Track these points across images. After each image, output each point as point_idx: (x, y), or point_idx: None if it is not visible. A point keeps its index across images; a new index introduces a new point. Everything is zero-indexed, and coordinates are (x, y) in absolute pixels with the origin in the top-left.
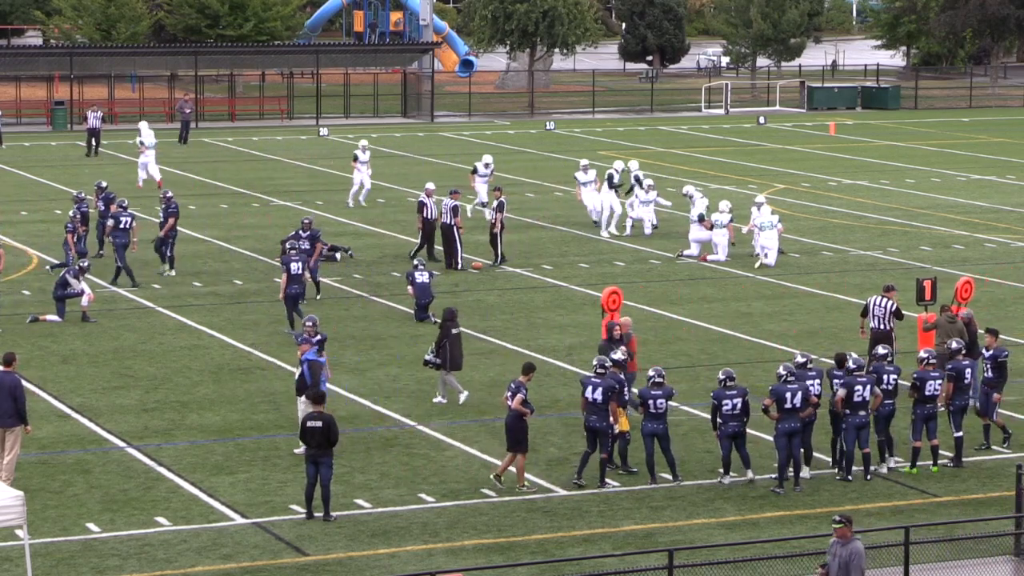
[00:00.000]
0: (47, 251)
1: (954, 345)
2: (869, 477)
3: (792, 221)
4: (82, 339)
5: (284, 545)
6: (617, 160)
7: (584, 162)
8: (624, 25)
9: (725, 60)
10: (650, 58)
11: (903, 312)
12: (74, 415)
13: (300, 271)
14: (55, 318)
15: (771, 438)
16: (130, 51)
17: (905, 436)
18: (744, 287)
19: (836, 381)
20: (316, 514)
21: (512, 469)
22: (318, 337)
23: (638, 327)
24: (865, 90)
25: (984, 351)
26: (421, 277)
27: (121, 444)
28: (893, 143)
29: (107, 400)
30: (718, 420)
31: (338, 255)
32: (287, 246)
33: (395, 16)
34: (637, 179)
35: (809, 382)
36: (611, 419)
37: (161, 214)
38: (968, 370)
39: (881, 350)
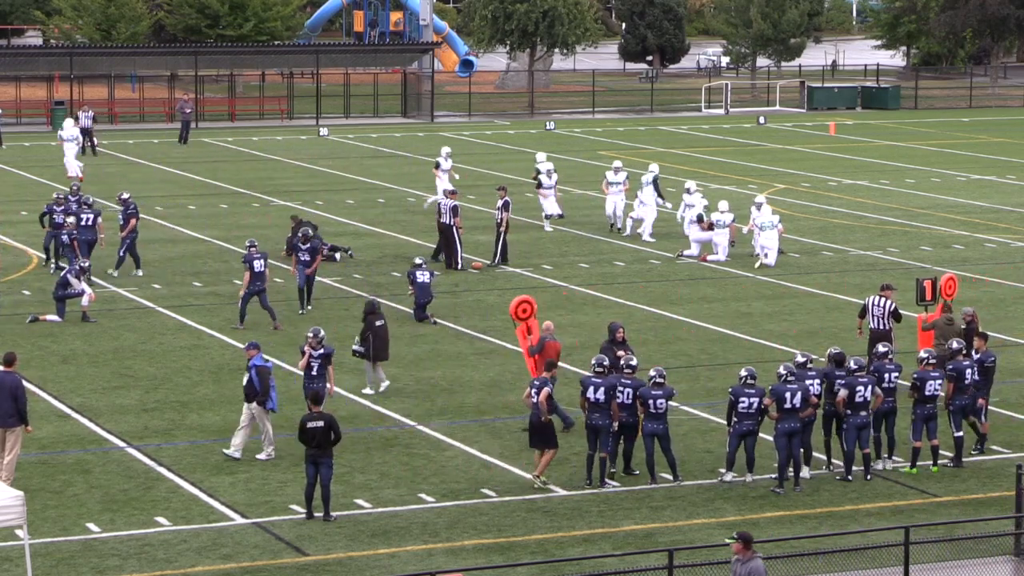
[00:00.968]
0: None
1: (955, 345)
2: (869, 477)
3: (792, 221)
4: (82, 339)
5: (284, 545)
6: (652, 164)
7: (617, 163)
8: (624, 25)
9: (725, 60)
10: (650, 58)
11: (901, 313)
12: (74, 415)
13: (263, 268)
14: (55, 318)
15: (771, 438)
16: (130, 51)
17: (905, 436)
18: (744, 287)
19: (838, 382)
20: (316, 514)
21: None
22: (322, 350)
23: (638, 327)
24: (865, 90)
25: (973, 354)
26: (422, 277)
27: (121, 444)
28: (893, 143)
29: (107, 400)
30: (733, 418)
31: (338, 255)
32: (296, 243)
33: (395, 16)
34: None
35: (808, 382)
36: (612, 418)
37: (120, 216)
38: (969, 370)
39: (882, 348)
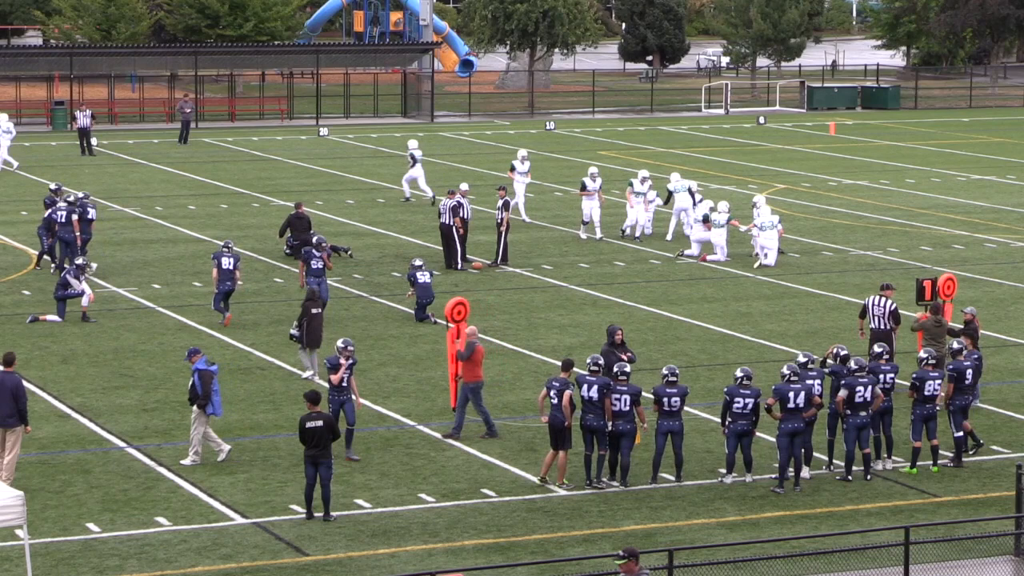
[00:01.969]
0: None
1: (955, 345)
2: (869, 477)
3: (792, 221)
4: (82, 339)
5: (284, 545)
6: (673, 173)
7: (644, 173)
8: (624, 25)
9: (725, 60)
10: (650, 58)
11: (900, 314)
12: (74, 415)
13: (230, 267)
14: (55, 318)
15: (772, 438)
16: (130, 51)
17: (905, 436)
18: (744, 287)
19: (818, 380)
20: (316, 514)
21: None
22: (351, 361)
23: (638, 327)
24: (865, 90)
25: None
26: (423, 277)
27: (121, 444)
28: (893, 143)
29: (107, 400)
30: (727, 418)
31: (340, 254)
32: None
33: (395, 16)
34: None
35: (810, 382)
36: (606, 417)
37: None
38: (969, 370)
39: (877, 348)
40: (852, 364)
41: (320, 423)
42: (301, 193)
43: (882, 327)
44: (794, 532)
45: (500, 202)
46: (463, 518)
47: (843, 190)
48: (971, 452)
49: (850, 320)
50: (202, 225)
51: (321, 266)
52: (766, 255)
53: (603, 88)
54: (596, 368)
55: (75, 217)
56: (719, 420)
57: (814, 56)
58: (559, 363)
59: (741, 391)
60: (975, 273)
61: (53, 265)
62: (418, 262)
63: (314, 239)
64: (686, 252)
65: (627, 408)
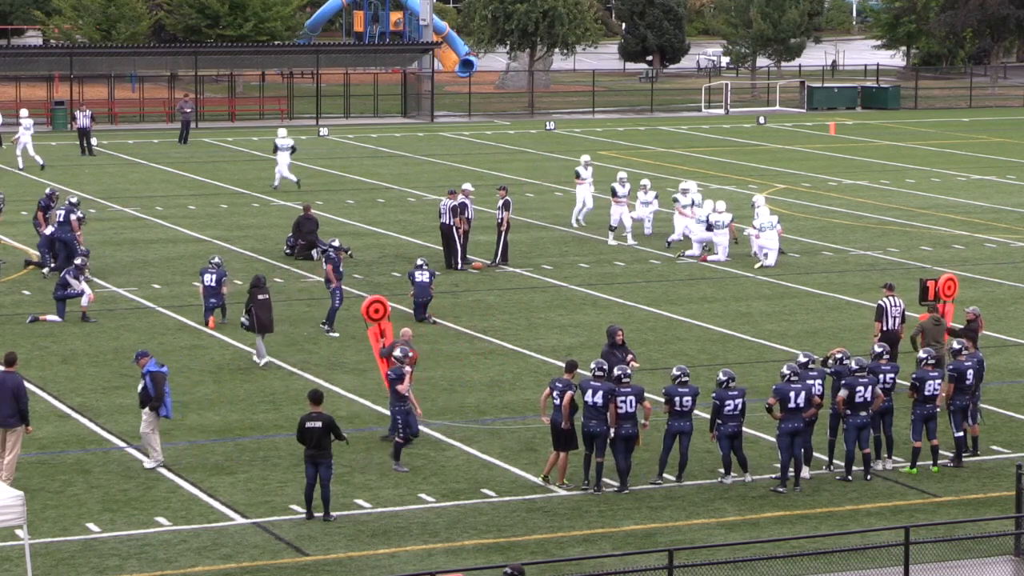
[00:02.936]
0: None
1: (955, 345)
2: (869, 477)
3: (792, 221)
4: (82, 339)
5: (284, 545)
6: (689, 181)
7: (645, 182)
8: (624, 25)
9: (725, 60)
10: (650, 58)
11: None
12: (74, 415)
13: (211, 283)
14: (55, 318)
15: (772, 438)
16: (130, 51)
17: (905, 436)
18: (744, 287)
19: (818, 380)
20: (316, 514)
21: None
22: (408, 368)
23: (638, 327)
24: (865, 90)
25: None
26: (421, 277)
27: (121, 444)
28: (893, 143)
29: (107, 400)
30: (718, 421)
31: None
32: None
33: (395, 16)
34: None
35: (810, 382)
36: (609, 423)
37: None
38: (970, 371)
39: (877, 348)
40: (852, 364)
41: (319, 424)
42: (301, 193)
43: (896, 327)
44: (794, 532)
45: (500, 202)
46: (463, 518)
47: (843, 190)
48: (967, 453)
49: (850, 320)
50: (202, 225)
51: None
52: (766, 255)
53: (603, 88)
54: (601, 373)
55: (74, 217)
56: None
57: (814, 56)
58: (559, 363)
59: (729, 393)
60: (975, 273)
61: (47, 268)
62: (419, 261)
63: (335, 243)
64: (687, 252)
65: (632, 409)
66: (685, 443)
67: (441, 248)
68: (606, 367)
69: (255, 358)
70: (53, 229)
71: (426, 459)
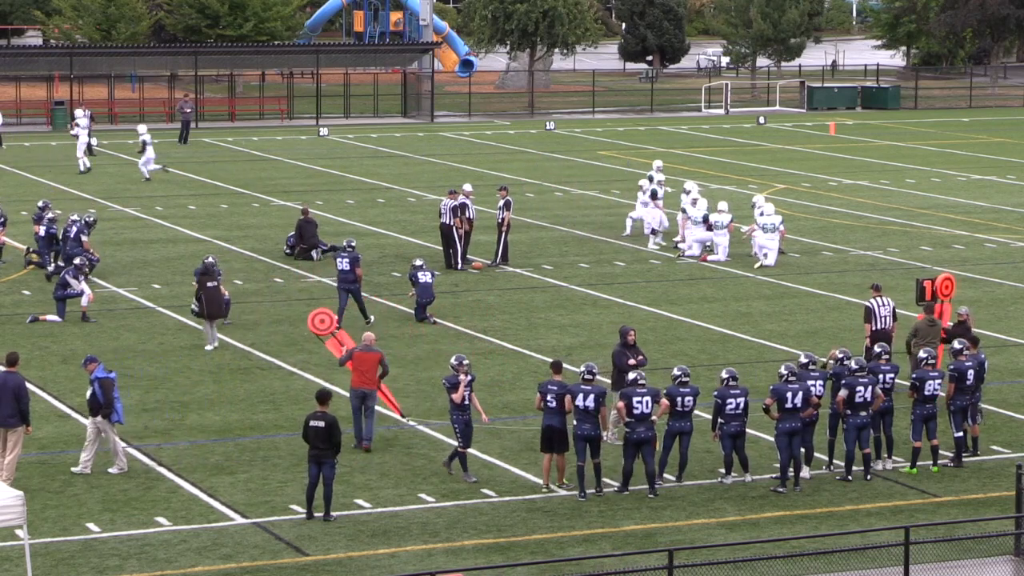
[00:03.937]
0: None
1: (956, 345)
2: (869, 477)
3: (792, 221)
4: (82, 339)
5: (284, 545)
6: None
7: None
8: (624, 25)
9: (725, 60)
10: (650, 58)
11: (897, 312)
12: (74, 415)
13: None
14: (55, 318)
15: (771, 438)
16: (130, 51)
17: (905, 436)
18: (744, 287)
19: (819, 381)
20: (316, 514)
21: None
22: (469, 377)
23: (639, 327)
24: (865, 90)
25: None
26: (423, 277)
27: (121, 444)
28: (893, 143)
29: None
30: (719, 420)
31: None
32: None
33: (395, 16)
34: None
35: (811, 382)
36: (602, 426)
37: None
38: (970, 371)
39: (877, 348)
40: (852, 364)
41: (322, 423)
42: (301, 193)
43: (887, 327)
44: (794, 532)
45: (501, 202)
46: (463, 518)
47: (843, 190)
48: (967, 453)
49: (850, 320)
50: (202, 225)
51: (347, 267)
52: (766, 255)
53: (603, 88)
54: (590, 376)
55: (85, 237)
56: (722, 420)
57: (814, 56)
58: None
59: (731, 392)
60: (975, 273)
61: (50, 267)
62: (419, 262)
63: (353, 242)
64: (687, 252)
65: (648, 411)
66: (685, 443)
67: (441, 248)
68: (596, 371)
69: (207, 346)
70: (44, 229)
71: (426, 459)
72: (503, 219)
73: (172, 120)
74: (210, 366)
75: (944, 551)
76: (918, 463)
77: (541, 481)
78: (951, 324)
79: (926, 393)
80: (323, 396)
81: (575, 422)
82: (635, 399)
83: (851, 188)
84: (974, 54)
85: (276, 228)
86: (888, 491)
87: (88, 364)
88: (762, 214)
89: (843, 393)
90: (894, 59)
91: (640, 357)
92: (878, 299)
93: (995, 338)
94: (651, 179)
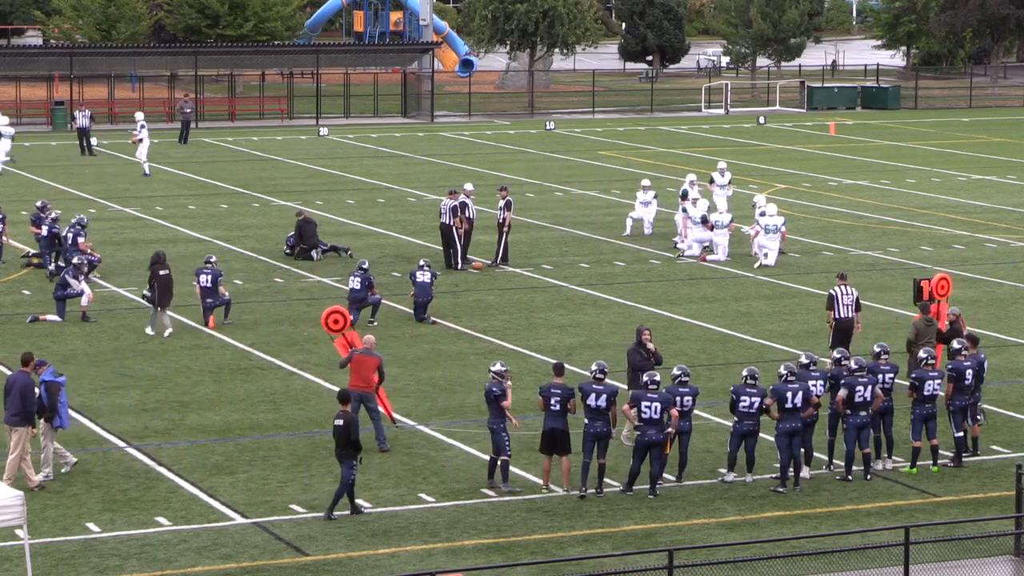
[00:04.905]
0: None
1: (955, 345)
2: (869, 477)
3: (792, 221)
4: (82, 339)
5: (284, 545)
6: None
7: (645, 182)
8: (624, 25)
9: (725, 60)
10: (650, 58)
11: (861, 302)
12: (74, 415)
13: (207, 284)
14: (55, 318)
15: (771, 438)
16: (130, 51)
17: (905, 436)
18: (744, 287)
19: (819, 381)
20: (328, 514)
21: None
22: (508, 383)
23: (638, 327)
24: (865, 90)
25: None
26: (422, 277)
27: (121, 444)
28: (893, 143)
29: (107, 400)
30: (734, 417)
31: (339, 254)
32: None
33: (395, 16)
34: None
35: (812, 382)
36: (612, 425)
37: None
38: (969, 371)
39: (876, 348)
40: (852, 364)
41: (341, 422)
42: (301, 193)
43: (849, 315)
44: (794, 532)
45: (502, 202)
46: (463, 518)
47: (843, 190)
48: (967, 453)
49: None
50: (202, 225)
51: (356, 286)
52: (766, 255)
53: (603, 88)
54: (601, 376)
55: (81, 240)
56: (722, 420)
57: (814, 56)
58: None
59: (747, 390)
60: (975, 273)
61: (50, 269)
62: (421, 262)
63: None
64: (686, 252)
65: (658, 416)
66: (685, 443)
67: (441, 248)
68: (607, 369)
69: (149, 330)
70: (47, 229)
71: (426, 459)
72: (504, 219)
73: (172, 120)
74: (210, 366)
75: (944, 551)
76: (918, 463)
77: (541, 481)
78: (947, 324)
79: (925, 393)
80: (344, 396)
81: (586, 421)
82: (644, 403)
83: (851, 188)
84: (974, 54)
85: (276, 228)
86: (888, 491)
87: (39, 367)
88: (763, 214)
89: (842, 393)
90: (894, 59)
91: (653, 357)
92: (842, 287)
93: (995, 338)
94: (685, 195)
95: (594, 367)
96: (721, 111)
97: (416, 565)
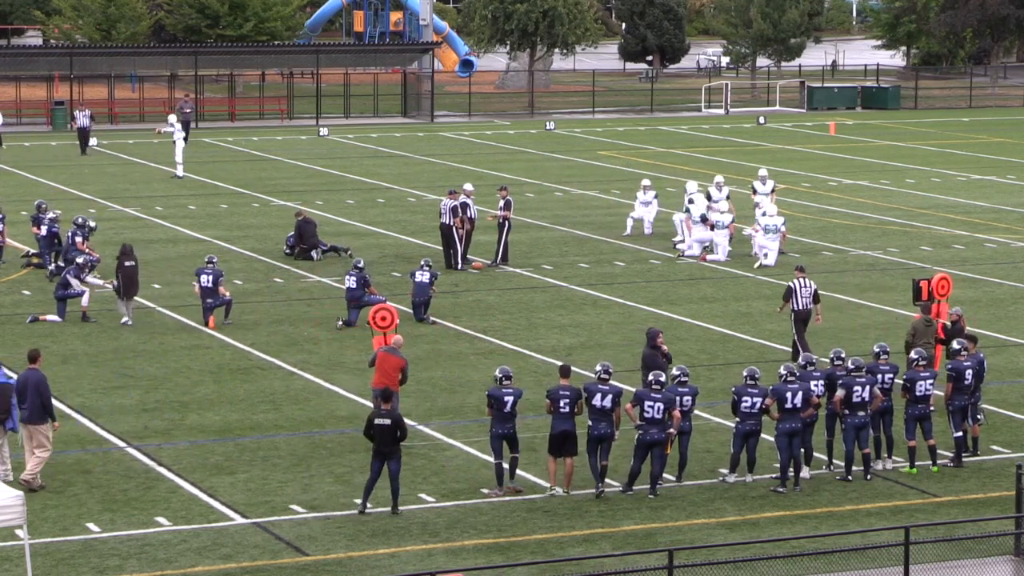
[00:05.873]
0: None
1: (955, 345)
2: (869, 477)
3: (792, 221)
4: (82, 339)
5: (284, 545)
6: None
7: (646, 182)
8: (624, 25)
9: (725, 60)
10: (650, 58)
11: (819, 294)
12: (74, 415)
13: (208, 284)
14: (55, 318)
15: (771, 438)
16: (130, 51)
17: (904, 436)
18: (744, 287)
19: (818, 381)
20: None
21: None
22: (516, 390)
23: (639, 327)
24: (865, 90)
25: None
26: (420, 276)
27: (121, 444)
28: (893, 143)
29: (107, 400)
30: (736, 417)
31: (339, 254)
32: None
33: (395, 16)
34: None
35: (812, 383)
36: (616, 427)
37: None
38: (969, 370)
39: (876, 348)
40: (850, 364)
41: (388, 421)
42: (301, 193)
43: (807, 307)
44: (794, 532)
45: (502, 202)
46: (463, 518)
47: (843, 190)
48: (967, 453)
49: (850, 320)
50: (202, 225)
51: (352, 285)
52: (766, 255)
53: (603, 88)
54: (607, 376)
55: (79, 239)
56: (724, 420)
57: (814, 56)
58: (560, 363)
59: (749, 390)
60: (975, 273)
61: (50, 269)
62: (423, 262)
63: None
64: (686, 252)
65: (660, 416)
66: (684, 443)
67: (441, 248)
68: (612, 370)
69: (123, 319)
70: (46, 229)
71: (426, 459)
72: (504, 219)
73: None
74: (210, 366)
75: (944, 551)
76: (918, 463)
77: (541, 481)
78: (947, 325)
79: (917, 394)
80: (387, 395)
81: (590, 422)
82: (647, 402)
83: (851, 188)
84: (974, 54)
85: (276, 228)
86: (888, 491)
87: None
88: (764, 214)
89: (840, 393)
90: (894, 59)
91: (665, 359)
92: (800, 279)
93: (995, 338)
94: (692, 200)
95: (599, 367)
96: (721, 111)
97: (416, 565)
